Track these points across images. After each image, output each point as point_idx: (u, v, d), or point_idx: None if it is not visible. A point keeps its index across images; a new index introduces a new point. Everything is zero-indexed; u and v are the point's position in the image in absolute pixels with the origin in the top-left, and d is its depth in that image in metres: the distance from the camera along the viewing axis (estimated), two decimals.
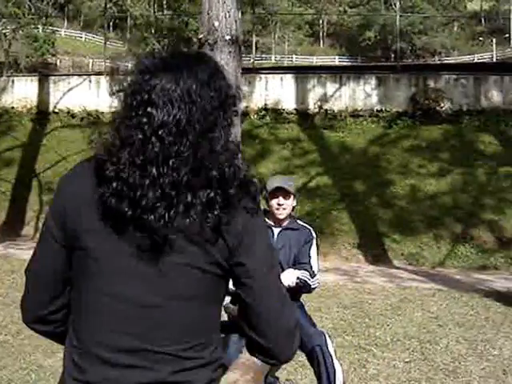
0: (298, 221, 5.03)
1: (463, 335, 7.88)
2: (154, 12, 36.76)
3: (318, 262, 4.90)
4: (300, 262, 4.76)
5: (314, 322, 5.12)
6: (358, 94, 18.54)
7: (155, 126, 1.59)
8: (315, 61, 60.17)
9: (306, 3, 77.93)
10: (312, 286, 4.72)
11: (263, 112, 18.20)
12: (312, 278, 4.67)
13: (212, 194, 1.62)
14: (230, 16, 9.02)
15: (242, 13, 26.90)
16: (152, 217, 1.60)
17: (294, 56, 65.19)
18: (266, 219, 4.88)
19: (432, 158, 15.99)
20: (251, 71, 20.63)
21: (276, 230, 4.84)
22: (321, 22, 77.81)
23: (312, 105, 18.41)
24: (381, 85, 18.69)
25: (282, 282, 1.79)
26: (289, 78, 19.02)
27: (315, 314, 8.38)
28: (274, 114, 18.14)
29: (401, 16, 64.18)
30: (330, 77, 19.14)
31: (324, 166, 15.72)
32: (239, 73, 9.28)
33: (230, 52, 8.93)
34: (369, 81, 18.74)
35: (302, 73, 20.29)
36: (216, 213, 1.63)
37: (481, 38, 71.68)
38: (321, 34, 78.83)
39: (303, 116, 18.13)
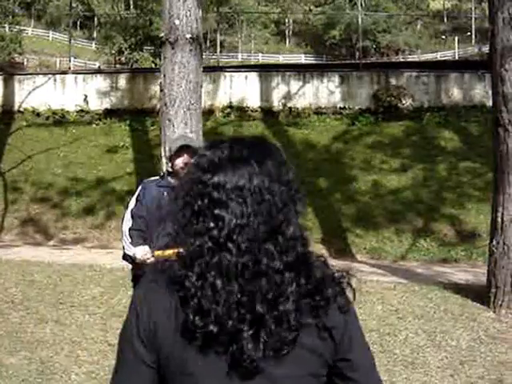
0: None
1: (422, 327, 7.95)
2: (118, 11, 36.48)
3: None
4: None
5: None
6: (321, 92, 18.62)
7: (227, 230, 1.45)
8: (281, 59, 60.25)
9: (271, 2, 77.99)
10: None
11: (228, 110, 18.19)
12: None
13: (308, 300, 1.53)
14: (190, 15, 9.01)
15: (207, 12, 26.84)
16: (244, 335, 1.46)
17: (260, 54, 65.21)
18: (171, 180, 4.89)
19: (394, 153, 16.11)
20: (216, 69, 20.62)
21: None
22: (286, 20, 77.90)
23: (276, 102, 18.45)
24: (344, 82, 18.79)
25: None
26: (253, 76, 19.03)
27: None
28: (239, 111, 18.15)
29: (365, 15, 64.60)
30: (293, 75, 19.19)
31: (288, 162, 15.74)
32: (200, 71, 9.28)
33: (190, 50, 8.93)
34: (332, 79, 18.83)
35: (266, 71, 20.30)
36: (316, 316, 1.54)
37: (443, 37, 72.34)
38: (287, 33, 78.95)
39: (268, 113, 18.16)
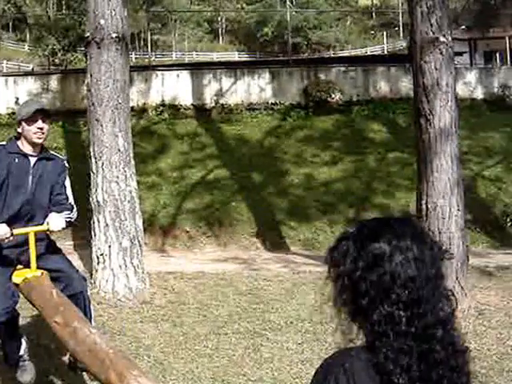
0: (51, 151, 4.99)
1: None
2: (47, 12, 35.78)
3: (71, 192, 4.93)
4: (58, 193, 4.79)
5: (74, 265, 5.15)
6: (252, 88, 18.66)
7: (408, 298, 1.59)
8: (215, 57, 60.15)
9: (204, 1, 77.78)
10: (73, 220, 4.80)
11: (161, 108, 18.05)
12: (71, 211, 4.74)
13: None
14: (115, 14, 8.90)
15: (136, 11, 26.57)
16: None
17: (194, 53, 64.94)
18: (20, 147, 4.72)
19: (325, 147, 16.27)
20: (148, 69, 20.45)
21: (32, 160, 4.71)
22: (219, 19, 77.82)
23: (209, 100, 18.42)
24: (274, 79, 18.87)
25: None
26: (185, 75, 18.94)
27: (212, 303, 8.41)
28: (172, 109, 18.03)
29: (295, 12, 64.92)
30: (225, 72, 19.19)
31: (221, 158, 15.74)
32: (127, 70, 9.18)
33: (117, 49, 8.82)
34: (263, 75, 18.90)
35: (197, 69, 20.26)
36: None
37: (372, 32, 73.38)
38: (220, 31, 78.87)
39: (200, 111, 18.11)
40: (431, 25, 8.72)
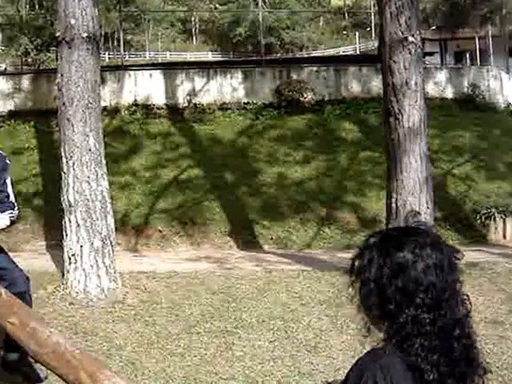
0: None
1: (324, 312, 8.07)
2: (19, 11, 35.40)
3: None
4: None
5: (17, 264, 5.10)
6: (225, 88, 18.63)
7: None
8: (189, 57, 59.96)
9: (177, 1, 77.45)
10: (15, 218, 4.77)
11: (133, 108, 17.93)
12: (13, 209, 4.73)
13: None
14: (86, 13, 8.83)
15: (108, 10, 26.38)
16: None
17: (168, 53, 64.68)
18: None
19: (297, 146, 16.29)
20: (120, 68, 20.34)
21: None
22: (193, 19, 77.60)
23: (181, 99, 18.33)
24: (247, 78, 18.86)
25: None
26: (158, 74, 18.86)
27: (184, 303, 8.38)
28: (145, 109, 17.92)
29: (268, 12, 64.91)
30: (198, 72, 19.14)
31: (194, 158, 15.70)
32: (98, 69, 9.12)
33: (87, 49, 8.76)
34: (235, 75, 18.88)
35: (170, 69, 20.20)
36: None
37: (345, 32, 73.65)
38: (193, 31, 78.65)
39: (173, 111, 18.02)
40: (400, 25, 8.80)
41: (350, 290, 1.91)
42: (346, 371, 1.84)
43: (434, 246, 1.79)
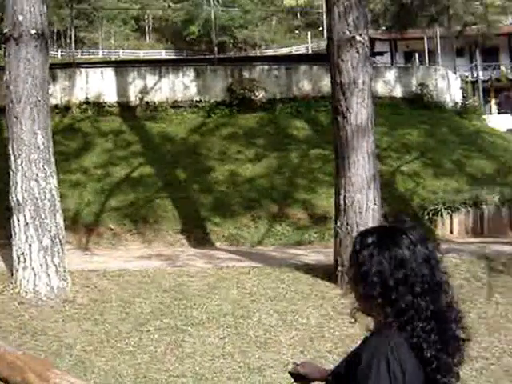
0: None
1: (274, 308, 8.11)
2: None
3: None
4: None
5: None
6: (177, 86, 18.52)
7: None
8: (142, 55, 59.55)
9: None
10: None
11: (85, 106, 17.68)
12: None
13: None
14: (34, 10, 8.71)
15: (61, 7, 26.02)
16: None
17: (121, 51, 64.11)
18: None
19: (249, 144, 16.29)
20: (72, 66, 20.07)
21: None
22: (146, 17, 77.08)
23: (133, 97, 18.15)
24: (199, 77, 18.78)
25: None
26: (109, 72, 18.63)
27: (135, 300, 8.33)
28: (96, 107, 17.69)
29: (223, 11, 64.81)
30: (150, 70, 19.00)
31: (146, 156, 15.57)
32: (47, 66, 8.99)
33: (36, 46, 8.63)
34: (187, 73, 18.78)
35: (122, 66, 20.01)
36: None
37: (297, 32, 74.02)
38: (147, 29, 78.13)
39: (125, 108, 17.82)
40: (348, 24, 8.86)
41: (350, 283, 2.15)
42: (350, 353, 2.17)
43: (423, 241, 2.08)
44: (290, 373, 2.52)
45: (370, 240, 2.11)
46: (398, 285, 2.02)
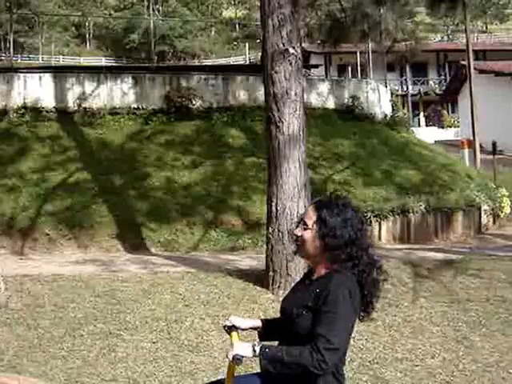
0: None
1: (207, 312, 8.08)
2: None
3: None
4: None
5: None
6: (115, 93, 18.29)
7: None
8: (82, 61, 58.88)
9: (72, 6, 75.93)
10: None
11: (22, 111, 17.27)
12: None
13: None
14: None
15: (1, 12, 25.44)
16: None
17: (61, 57, 63.20)
18: None
19: (185, 151, 16.21)
20: (10, 70, 19.63)
21: None
22: (87, 24, 76.28)
23: (71, 103, 17.85)
24: (137, 84, 18.61)
25: None
26: (48, 77, 18.27)
27: (68, 305, 8.18)
28: (34, 112, 17.30)
29: (163, 20, 64.53)
30: (88, 76, 18.70)
31: (83, 161, 15.32)
32: None
33: None
34: (126, 80, 18.59)
35: (60, 72, 19.68)
36: None
37: (235, 43, 74.39)
38: (87, 36, 77.29)
39: (62, 114, 17.49)
40: (282, 37, 8.92)
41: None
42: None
43: (355, 208, 3.06)
44: (223, 327, 3.32)
45: (332, 207, 3.02)
46: (345, 239, 2.93)
